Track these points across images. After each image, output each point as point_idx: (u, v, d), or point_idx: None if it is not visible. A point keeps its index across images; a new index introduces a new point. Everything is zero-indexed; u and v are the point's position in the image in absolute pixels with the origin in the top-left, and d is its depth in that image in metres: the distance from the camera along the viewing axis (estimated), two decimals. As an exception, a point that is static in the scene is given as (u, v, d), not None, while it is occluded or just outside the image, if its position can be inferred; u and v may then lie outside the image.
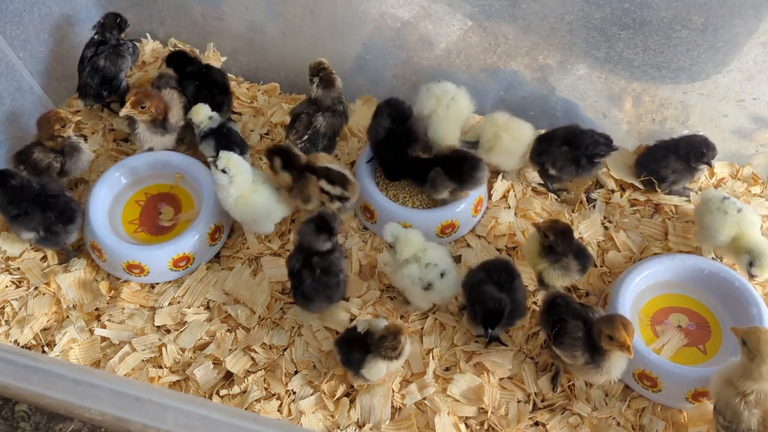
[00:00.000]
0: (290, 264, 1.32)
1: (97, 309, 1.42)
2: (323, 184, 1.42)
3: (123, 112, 1.51)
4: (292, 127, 1.55)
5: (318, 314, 1.39)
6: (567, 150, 1.50)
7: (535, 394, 1.29)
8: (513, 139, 1.54)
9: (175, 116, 1.59)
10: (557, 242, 1.30)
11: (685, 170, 1.53)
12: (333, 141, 1.60)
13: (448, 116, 1.55)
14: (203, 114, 1.56)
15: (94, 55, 1.66)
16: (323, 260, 1.30)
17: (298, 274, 1.30)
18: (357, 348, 1.24)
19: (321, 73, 1.52)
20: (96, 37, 1.67)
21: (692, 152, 1.51)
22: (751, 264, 1.32)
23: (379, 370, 1.23)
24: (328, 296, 1.33)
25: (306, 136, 1.53)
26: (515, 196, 1.60)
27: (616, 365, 1.18)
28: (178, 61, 1.68)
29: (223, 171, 1.37)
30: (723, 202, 1.38)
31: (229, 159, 1.38)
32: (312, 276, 1.29)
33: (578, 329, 1.20)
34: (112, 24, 1.66)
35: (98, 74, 1.66)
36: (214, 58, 1.87)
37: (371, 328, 1.25)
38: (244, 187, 1.40)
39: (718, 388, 1.13)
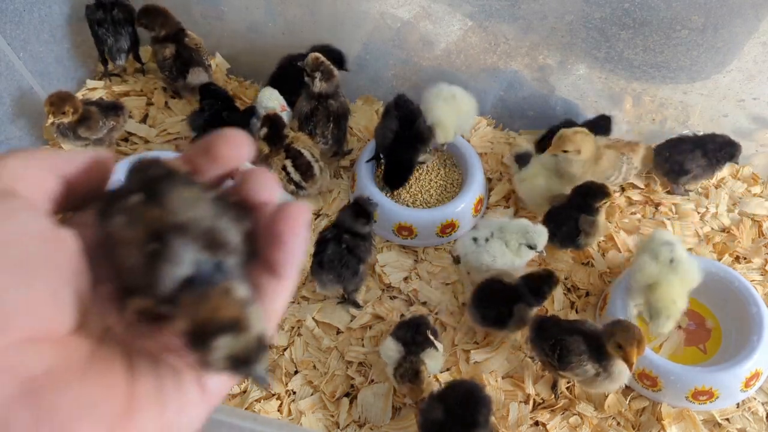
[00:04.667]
0: (322, 233, 1.34)
1: (97, 309, 1.42)
2: (287, 163, 1.46)
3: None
4: (311, 127, 1.55)
5: (325, 291, 1.39)
6: None
7: (536, 394, 1.29)
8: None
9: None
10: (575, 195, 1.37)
11: (707, 167, 1.53)
12: (344, 126, 1.60)
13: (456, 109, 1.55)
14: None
15: (103, 16, 1.68)
16: (353, 240, 1.31)
17: (324, 243, 1.31)
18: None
19: (321, 67, 1.53)
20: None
21: (721, 151, 1.51)
22: None
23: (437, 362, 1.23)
24: (341, 276, 1.33)
25: (328, 131, 1.55)
26: (515, 196, 1.60)
27: (625, 369, 1.15)
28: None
29: None
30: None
31: None
32: (337, 248, 1.30)
33: (579, 343, 1.14)
34: None
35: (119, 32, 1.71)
36: (219, 68, 1.87)
37: None
38: None
39: None
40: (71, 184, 0.43)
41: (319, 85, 1.53)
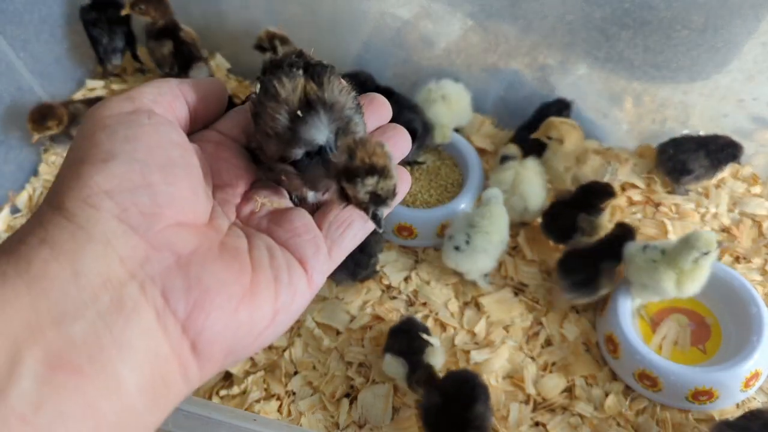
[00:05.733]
0: None
1: (97, 309, 1.42)
2: None
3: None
4: None
5: (339, 285, 1.42)
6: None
7: (536, 394, 1.29)
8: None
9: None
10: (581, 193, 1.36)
11: (710, 167, 1.54)
12: None
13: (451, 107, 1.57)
14: None
15: (97, 16, 1.69)
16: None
17: None
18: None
19: (276, 36, 1.53)
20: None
21: (723, 152, 1.52)
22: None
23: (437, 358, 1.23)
24: (353, 273, 1.36)
25: None
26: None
27: None
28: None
29: None
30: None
31: None
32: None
33: None
34: None
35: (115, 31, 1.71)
36: (219, 68, 1.87)
37: None
38: None
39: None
40: (194, 108, 0.52)
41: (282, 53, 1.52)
